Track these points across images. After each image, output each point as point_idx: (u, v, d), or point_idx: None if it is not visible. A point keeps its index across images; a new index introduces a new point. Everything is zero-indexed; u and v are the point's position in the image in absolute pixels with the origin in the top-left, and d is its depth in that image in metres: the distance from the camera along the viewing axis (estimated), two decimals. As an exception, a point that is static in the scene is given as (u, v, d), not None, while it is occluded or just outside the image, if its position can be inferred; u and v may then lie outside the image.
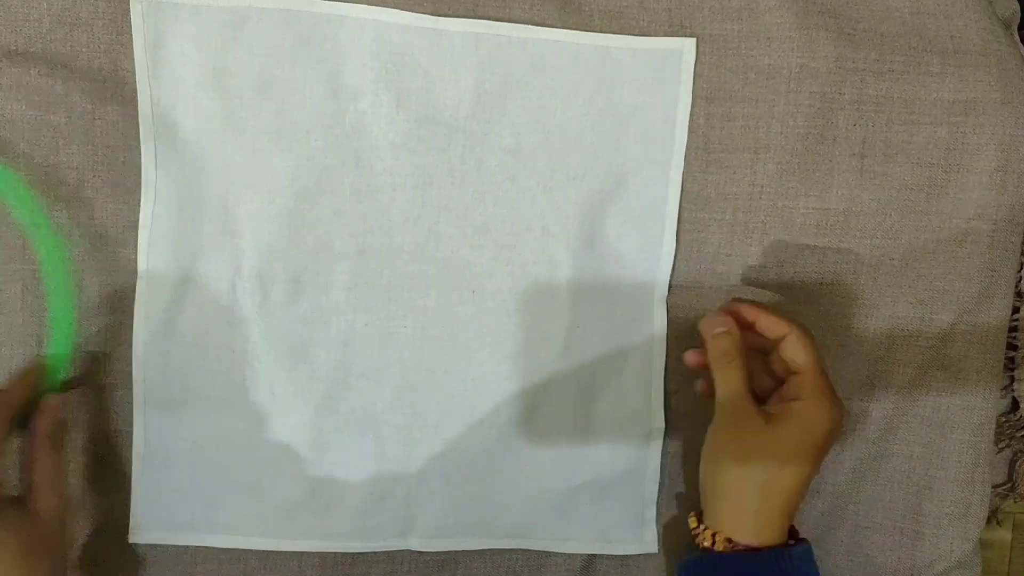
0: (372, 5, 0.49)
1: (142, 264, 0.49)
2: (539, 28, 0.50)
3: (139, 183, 0.49)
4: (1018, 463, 0.68)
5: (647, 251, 0.52)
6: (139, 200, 0.49)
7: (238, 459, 0.51)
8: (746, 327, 0.48)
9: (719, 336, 0.47)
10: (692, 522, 0.48)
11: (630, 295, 0.53)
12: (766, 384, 0.50)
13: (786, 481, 0.44)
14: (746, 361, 0.47)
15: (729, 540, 0.44)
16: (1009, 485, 0.69)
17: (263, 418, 0.51)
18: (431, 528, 0.53)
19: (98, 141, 0.49)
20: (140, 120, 0.48)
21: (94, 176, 0.49)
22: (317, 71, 0.49)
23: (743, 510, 0.44)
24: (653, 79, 0.51)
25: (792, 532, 0.47)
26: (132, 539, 0.51)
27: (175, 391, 0.50)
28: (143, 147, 0.49)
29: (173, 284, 0.50)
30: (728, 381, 0.46)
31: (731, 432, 0.45)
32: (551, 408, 0.53)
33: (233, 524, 0.52)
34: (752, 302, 0.51)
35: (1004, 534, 0.89)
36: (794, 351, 0.46)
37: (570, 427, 0.53)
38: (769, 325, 0.47)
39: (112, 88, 0.48)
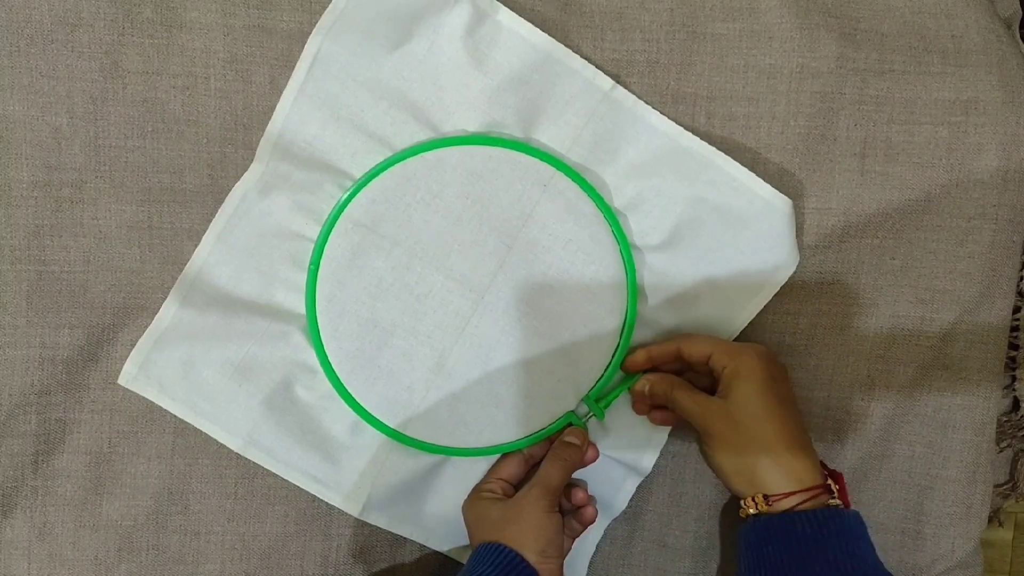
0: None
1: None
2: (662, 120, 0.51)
3: (140, 184, 0.50)
4: (1019, 462, 0.68)
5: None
6: (140, 200, 0.50)
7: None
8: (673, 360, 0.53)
9: (653, 387, 0.52)
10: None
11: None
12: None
13: (770, 426, 0.47)
14: (684, 383, 0.51)
15: (766, 497, 0.47)
16: (1011, 484, 0.69)
17: None
18: None
19: (100, 142, 0.49)
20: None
21: (96, 177, 0.49)
22: None
23: (759, 469, 0.47)
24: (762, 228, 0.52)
25: (830, 473, 0.50)
26: None
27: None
28: None
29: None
30: (684, 404, 0.50)
31: (709, 425, 0.49)
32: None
33: None
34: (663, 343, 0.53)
35: (1005, 534, 0.89)
36: (691, 347, 0.51)
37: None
38: (660, 351, 0.52)
39: (113, 89, 0.49)
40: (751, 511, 0.47)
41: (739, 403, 0.48)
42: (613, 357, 0.53)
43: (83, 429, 0.52)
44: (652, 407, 0.53)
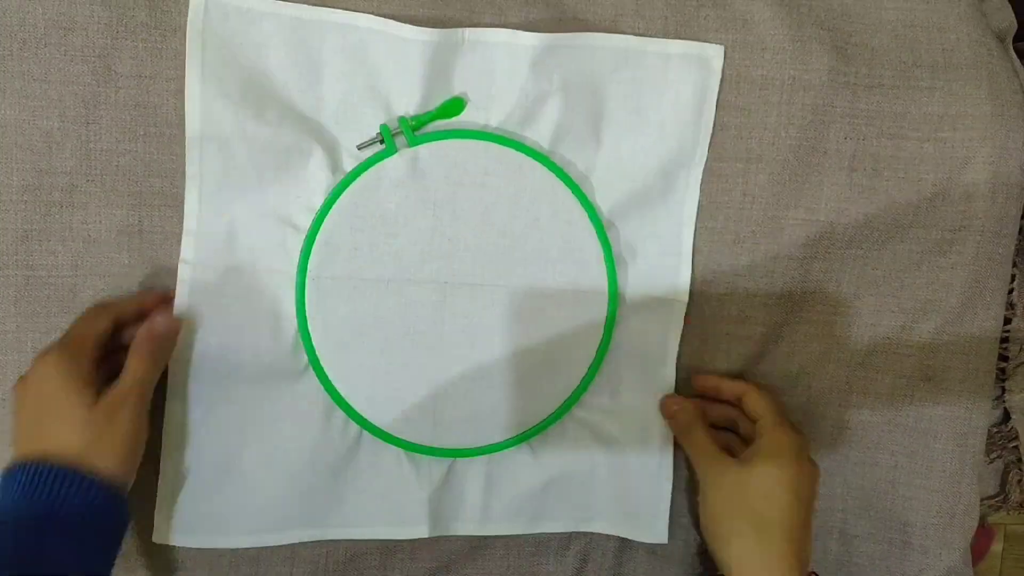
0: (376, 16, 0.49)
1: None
2: (577, 35, 0.50)
3: (131, 188, 0.50)
4: (1010, 474, 0.68)
5: (665, 257, 0.54)
6: (131, 204, 0.50)
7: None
8: (710, 397, 0.54)
9: (677, 413, 0.52)
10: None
11: (648, 297, 0.54)
12: (738, 450, 0.52)
13: (776, 513, 0.46)
14: (707, 425, 0.52)
15: None
16: (1001, 497, 0.69)
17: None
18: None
19: (91, 146, 0.49)
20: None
21: (87, 181, 0.49)
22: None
23: (746, 551, 0.47)
24: (685, 85, 0.52)
25: None
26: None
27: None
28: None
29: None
30: (696, 445, 0.50)
31: (715, 485, 0.49)
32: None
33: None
34: (708, 374, 0.54)
35: (995, 545, 0.89)
36: (753, 402, 0.51)
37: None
38: (729, 387, 0.52)
39: (106, 93, 0.49)
40: None
41: (759, 476, 0.47)
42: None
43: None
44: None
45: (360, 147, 0.51)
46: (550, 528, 0.55)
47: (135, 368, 0.45)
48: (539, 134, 0.52)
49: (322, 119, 0.50)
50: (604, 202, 0.53)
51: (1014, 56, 0.55)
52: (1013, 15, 0.56)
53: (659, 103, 0.52)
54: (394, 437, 0.52)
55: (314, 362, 0.51)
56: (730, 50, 0.51)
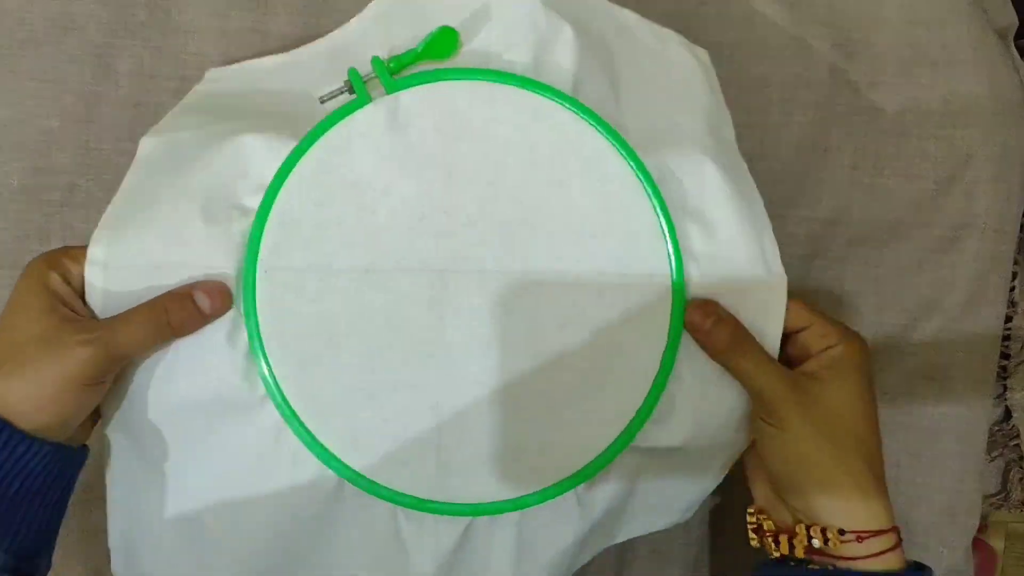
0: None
1: None
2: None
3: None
4: (1011, 472, 0.68)
5: (742, 224, 0.41)
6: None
7: None
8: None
9: (717, 328, 0.39)
10: (765, 522, 0.41)
11: (728, 280, 0.41)
12: None
13: (873, 437, 0.39)
14: (750, 334, 0.40)
15: (841, 531, 0.37)
16: (1003, 495, 0.69)
17: None
18: None
19: (90, 145, 0.49)
20: None
21: (86, 181, 0.49)
22: None
23: (854, 487, 0.38)
24: (687, 62, 0.45)
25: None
26: None
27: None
28: None
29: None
30: (753, 363, 0.39)
31: (792, 412, 0.38)
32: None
33: None
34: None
35: (997, 543, 0.89)
36: (796, 317, 0.41)
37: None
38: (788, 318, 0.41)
39: (105, 92, 0.48)
40: (816, 543, 0.37)
41: (836, 394, 0.38)
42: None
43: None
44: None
45: (323, 99, 0.39)
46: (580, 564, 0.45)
47: (127, 329, 0.36)
48: (553, 78, 0.40)
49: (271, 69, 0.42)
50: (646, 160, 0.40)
51: (1015, 53, 0.55)
52: (1014, 12, 0.56)
53: (667, 72, 0.44)
54: (385, 488, 0.38)
55: (271, 388, 0.38)
56: (731, 48, 0.51)
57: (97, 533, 0.52)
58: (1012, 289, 0.57)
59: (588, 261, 0.39)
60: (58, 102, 0.48)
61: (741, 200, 0.40)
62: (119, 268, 0.37)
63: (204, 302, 0.37)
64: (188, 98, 0.43)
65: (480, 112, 0.39)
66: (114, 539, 0.40)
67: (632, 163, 0.39)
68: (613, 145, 0.39)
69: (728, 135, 0.44)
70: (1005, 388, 0.62)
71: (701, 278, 0.40)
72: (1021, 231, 0.55)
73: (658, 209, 0.39)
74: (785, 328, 0.40)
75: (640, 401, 0.39)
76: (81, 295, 0.37)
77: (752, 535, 0.41)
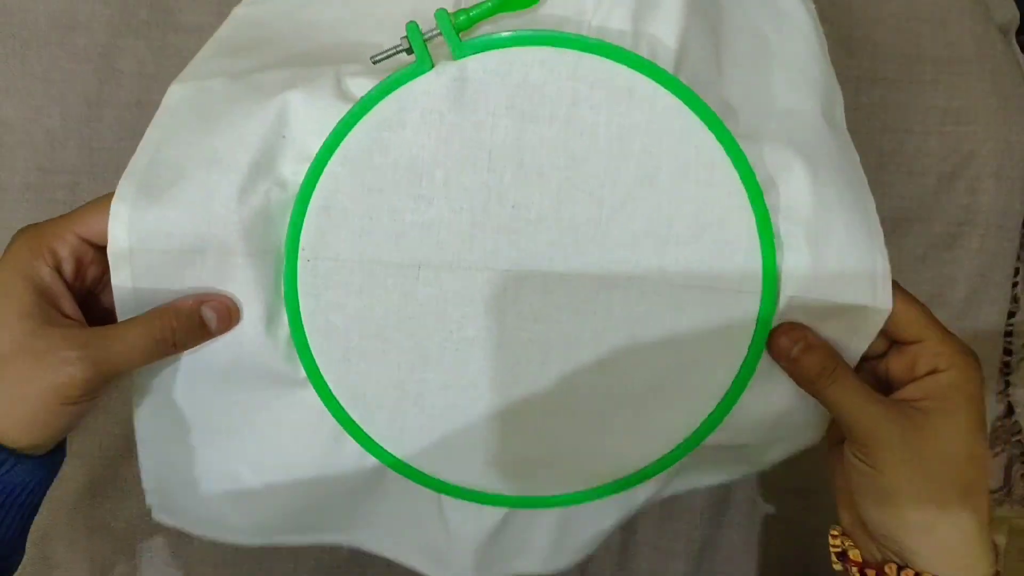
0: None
1: None
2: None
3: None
4: (1013, 468, 0.68)
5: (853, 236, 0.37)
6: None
7: None
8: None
9: (806, 354, 0.36)
10: (851, 551, 0.37)
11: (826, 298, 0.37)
12: None
13: (982, 482, 0.34)
14: (845, 363, 0.36)
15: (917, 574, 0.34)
16: (1005, 491, 0.69)
17: None
18: None
19: (94, 144, 0.49)
20: None
21: (89, 179, 0.49)
22: None
23: (958, 538, 0.34)
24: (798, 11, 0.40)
25: None
26: None
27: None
28: None
29: None
30: (849, 392, 0.35)
31: (890, 445, 0.34)
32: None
33: None
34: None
35: (999, 539, 0.89)
36: (905, 318, 0.36)
37: None
38: (901, 327, 0.36)
39: (108, 91, 0.49)
40: None
41: (943, 431, 0.33)
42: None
43: (75, 431, 0.51)
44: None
45: (375, 60, 0.34)
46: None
47: (121, 347, 0.33)
48: (655, 51, 0.34)
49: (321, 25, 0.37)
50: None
51: (1017, 50, 0.55)
52: (1016, 9, 0.56)
53: (778, 28, 0.38)
54: (427, 476, 0.38)
55: (313, 375, 0.36)
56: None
57: (102, 529, 0.52)
58: (1015, 285, 0.57)
59: (671, 269, 0.35)
60: (61, 101, 0.48)
61: (854, 210, 0.35)
62: (144, 252, 0.33)
63: (212, 320, 0.34)
64: (222, 29, 0.39)
65: (562, 89, 0.33)
66: (147, 481, 0.39)
67: (738, 166, 0.34)
68: (719, 143, 0.34)
69: (839, 115, 0.39)
70: (1007, 384, 0.63)
71: (795, 299, 0.35)
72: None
73: (759, 220, 0.34)
74: (894, 336, 0.36)
75: (707, 413, 0.37)
76: (72, 285, 0.34)
77: (835, 559, 0.38)
